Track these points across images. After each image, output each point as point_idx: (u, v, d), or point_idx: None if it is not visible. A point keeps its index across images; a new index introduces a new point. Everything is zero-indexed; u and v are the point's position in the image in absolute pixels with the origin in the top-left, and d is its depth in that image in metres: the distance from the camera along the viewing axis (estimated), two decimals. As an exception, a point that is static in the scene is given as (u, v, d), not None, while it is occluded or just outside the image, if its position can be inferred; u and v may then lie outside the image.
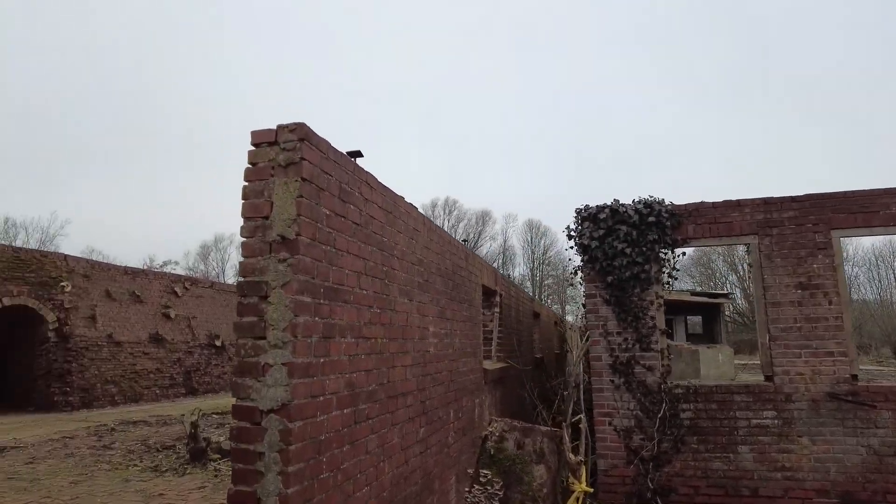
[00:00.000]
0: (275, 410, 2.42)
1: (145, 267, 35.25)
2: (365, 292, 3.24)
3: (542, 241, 58.37)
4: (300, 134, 2.62)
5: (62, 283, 14.79)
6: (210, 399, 17.05)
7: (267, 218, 2.59)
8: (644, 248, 6.96)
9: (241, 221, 2.65)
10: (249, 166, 2.68)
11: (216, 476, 6.88)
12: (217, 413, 12.54)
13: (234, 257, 56.08)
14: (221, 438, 8.95)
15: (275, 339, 2.47)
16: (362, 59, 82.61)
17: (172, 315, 18.33)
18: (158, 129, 71.44)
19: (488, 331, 7.55)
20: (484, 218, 57.50)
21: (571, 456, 4.29)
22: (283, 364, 2.44)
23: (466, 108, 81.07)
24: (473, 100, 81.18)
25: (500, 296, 7.83)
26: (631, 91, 79.07)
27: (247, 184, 2.66)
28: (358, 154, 3.36)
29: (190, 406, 13.36)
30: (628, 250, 6.94)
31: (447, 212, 56.77)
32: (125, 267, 17.79)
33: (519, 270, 55.27)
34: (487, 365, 6.74)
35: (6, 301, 13.68)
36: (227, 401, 15.88)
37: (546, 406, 10.26)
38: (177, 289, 18.91)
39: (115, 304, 16.41)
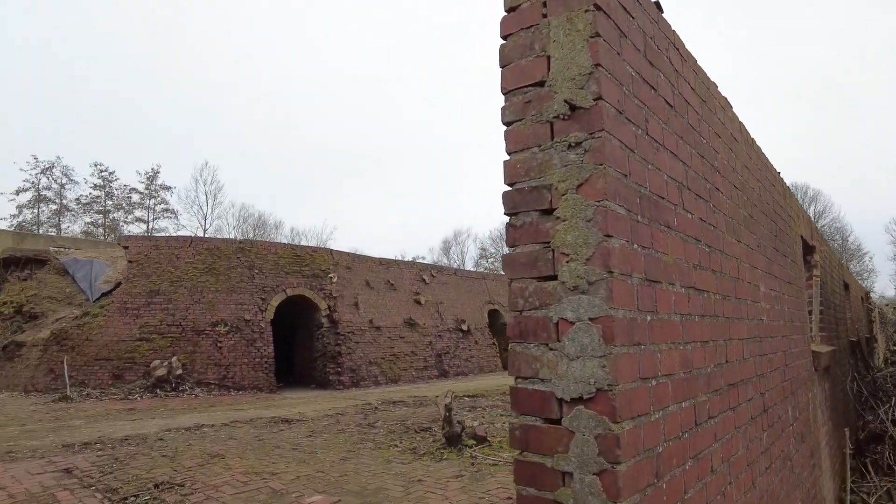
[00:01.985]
0: (585, 400, 1.36)
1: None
2: (690, 216, 2.02)
3: (812, 208, 48.89)
4: (587, -66, 1.53)
5: (330, 275, 16.39)
6: (460, 381, 17.35)
7: (542, 84, 1.56)
8: None
9: (498, 115, 1.67)
10: (507, 13, 1.68)
11: (472, 465, 6.32)
12: (468, 396, 12.43)
13: (472, 250, 59.31)
14: (475, 423, 8.52)
15: (573, 277, 1.42)
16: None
17: (422, 301, 19.20)
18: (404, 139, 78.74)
19: (807, 301, 5.60)
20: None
21: None
22: (592, 320, 1.38)
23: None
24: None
25: (820, 254, 5.78)
26: None
27: (504, 41, 1.66)
28: (659, 7, 2.16)
29: (442, 388, 13.54)
30: None
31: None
32: (380, 258, 19.15)
33: (785, 244, 46.91)
34: (815, 347, 4.89)
35: (289, 291, 15.62)
36: (476, 384, 15.90)
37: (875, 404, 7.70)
38: (425, 277, 19.79)
39: (374, 292, 17.72)
